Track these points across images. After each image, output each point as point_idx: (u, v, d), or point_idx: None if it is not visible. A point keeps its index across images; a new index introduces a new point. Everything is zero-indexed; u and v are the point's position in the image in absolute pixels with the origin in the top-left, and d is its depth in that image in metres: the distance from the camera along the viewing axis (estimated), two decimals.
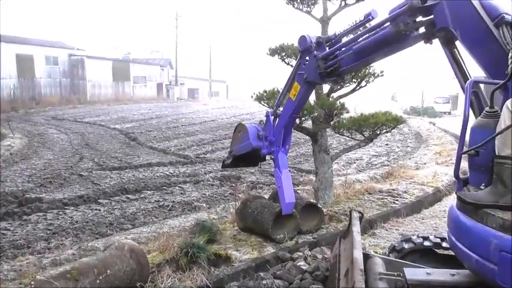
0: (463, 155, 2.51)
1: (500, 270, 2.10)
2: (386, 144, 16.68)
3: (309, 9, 6.71)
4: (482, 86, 3.03)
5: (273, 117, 5.07)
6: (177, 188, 9.76)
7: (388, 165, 11.71)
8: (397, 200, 6.97)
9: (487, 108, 2.48)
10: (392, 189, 7.64)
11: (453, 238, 2.56)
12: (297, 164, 12.59)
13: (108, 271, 3.41)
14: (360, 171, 11.37)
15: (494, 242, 2.14)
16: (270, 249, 4.62)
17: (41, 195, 8.87)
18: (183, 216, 7.46)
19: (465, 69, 3.18)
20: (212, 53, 56.64)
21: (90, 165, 12.36)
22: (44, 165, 12.32)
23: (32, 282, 2.97)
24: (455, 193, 2.57)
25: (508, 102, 2.24)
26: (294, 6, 6.73)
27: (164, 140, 17.35)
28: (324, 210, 5.69)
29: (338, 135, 6.94)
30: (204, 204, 8.29)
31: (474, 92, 2.92)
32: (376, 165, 12.52)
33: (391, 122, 6.37)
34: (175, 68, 50.55)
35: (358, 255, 2.52)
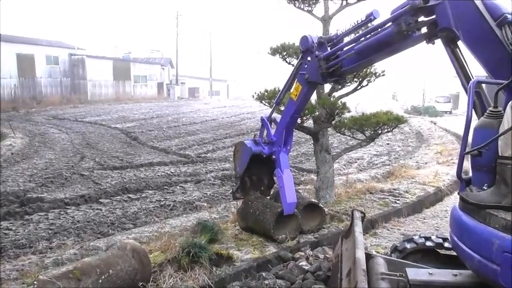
0: (465, 156, 2.52)
1: (503, 271, 2.11)
2: (387, 144, 16.66)
3: (310, 8, 6.71)
4: (484, 86, 3.03)
5: (268, 121, 5.12)
6: (178, 187, 9.76)
7: (389, 165, 11.70)
8: (398, 200, 6.97)
9: (490, 109, 2.48)
10: (394, 189, 7.64)
11: (455, 238, 2.56)
12: (298, 163, 12.58)
13: (111, 271, 3.42)
14: (361, 170, 11.37)
15: (496, 242, 2.14)
16: (271, 249, 4.63)
17: (42, 195, 8.87)
18: (185, 215, 7.46)
19: (467, 69, 3.18)
20: (213, 52, 56.74)
21: (91, 164, 12.36)
22: (45, 164, 12.33)
23: (35, 282, 2.98)
24: (458, 193, 2.57)
25: (511, 103, 2.24)
26: (295, 5, 6.73)
27: (165, 139, 17.35)
28: (325, 209, 5.69)
29: (339, 134, 6.94)
30: (206, 204, 8.29)
31: (476, 92, 2.93)
32: (377, 164, 12.51)
33: (392, 121, 6.38)
34: (175, 67, 50.54)
35: (360, 255, 2.53)
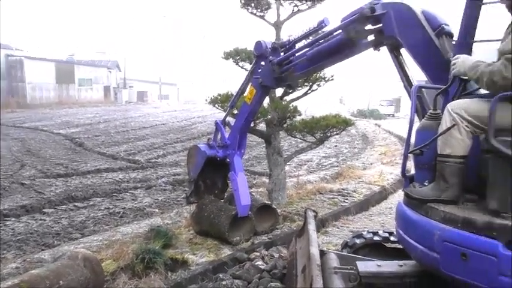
0: (409, 155, 2.71)
1: (443, 259, 2.29)
2: (335, 146, 17.21)
3: (262, 14, 6.85)
4: (425, 90, 3.27)
5: (222, 125, 5.18)
6: (128, 194, 9.50)
7: (337, 166, 12.10)
8: (346, 199, 7.25)
9: (430, 111, 2.69)
10: (342, 189, 7.93)
11: (401, 232, 2.74)
12: (250, 166, 12.68)
13: (61, 282, 3.30)
14: (311, 172, 11.66)
15: (437, 233, 2.33)
16: (226, 251, 4.66)
17: None
18: (136, 222, 7.26)
19: (409, 75, 3.41)
20: (162, 55, 55.74)
21: (33, 172, 11.70)
22: None
23: None
24: (403, 190, 2.76)
25: (448, 106, 2.44)
26: (248, 10, 6.84)
27: (113, 145, 16.82)
28: (278, 210, 5.81)
29: (289, 137, 7.12)
30: (157, 210, 8.13)
31: (418, 96, 3.15)
32: (326, 166, 12.89)
33: (341, 124, 6.65)
34: (123, 70, 49.15)
35: (314, 251, 2.64)
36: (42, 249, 6.15)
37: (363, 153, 15.40)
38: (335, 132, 6.71)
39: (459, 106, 2.38)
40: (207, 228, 5.06)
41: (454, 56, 2.58)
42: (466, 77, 2.47)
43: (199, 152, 5.09)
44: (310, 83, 6.57)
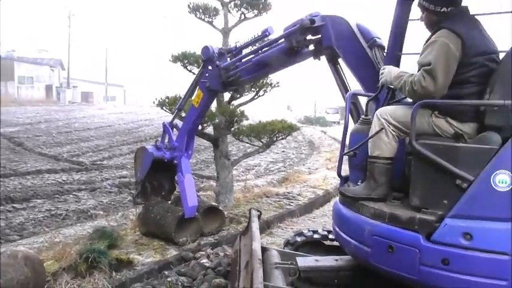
0: (344, 156, 2.96)
1: (373, 252, 2.53)
2: (283, 151, 17.59)
3: (210, 19, 6.98)
4: (360, 97, 3.55)
5: (170, 127, 5.24)
6: (71, 196, 9.23)
7: (284, 171, 12.41)
8: (292, 202, 7.50)
9: (362, 116, 2.95)
10: (288, 193, 8.19)
11: (337, 228, 2.97)
12: (198, 170, 12.70)
13: (0, 280, 3.22)
14: (259, 176, 11.87)
15: (367, 228, 2.57)
16: (172, 252, 4.70)
17: None
18: (79, 224, 7.10)
19: (346, 83, 3.69)
20: (109, 56, 54.11)
21: None
22: None
23: None
24: (338, 189, 2.99)
25: (377, 112, 2.70)
26: (196, 15, 6.95)
27: (55, 145, 16.16)
28: (225, 213, 5.92)
29: (237, 142, 7.27)
30: (102, 212, 7.97)
31: (353, 103, 3.43)
32: (273, 171, 13.16)
33: (286, 129, 6.89)
34: (67, 69, 47.13)
35: (256, 247, 2.80)
36: None
37: (309, 158, 15.86)
38: (281, 137, 6.94)
39: (386, 112, 2.64)
40: (153, 229, 5.07)
41: (382, 67, 2.87)
42: (392, 86, 2.75)
43: (146, 153, 5.12)
44: (257, 89, 6.77)
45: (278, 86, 7.04)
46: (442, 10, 2.60)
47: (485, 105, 2.39)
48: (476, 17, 2.65)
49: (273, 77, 6.69)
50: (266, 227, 5.89)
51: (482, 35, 2.55)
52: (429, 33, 2.65)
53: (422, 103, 2.42)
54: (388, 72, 2.72)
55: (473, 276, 2.15)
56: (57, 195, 9.19)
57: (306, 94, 51.75)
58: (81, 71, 53.43)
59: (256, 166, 13.84)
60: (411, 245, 2.33)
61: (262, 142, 6.90)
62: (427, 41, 2.59)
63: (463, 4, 2.66)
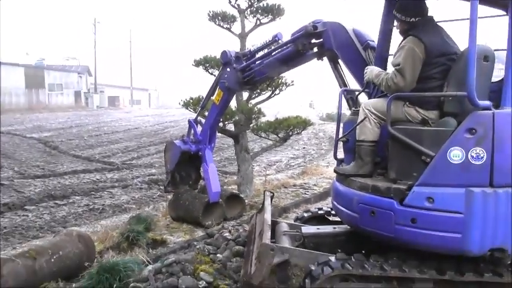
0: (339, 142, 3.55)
1: (359, 217, 3.12)
2: (304, 148, 18.08)
3: (228, 26, 7.64)
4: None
5: (194, 123, 5.92)
6: (105, 192, 9.99)
7: (304, 166, 12.95)
8: (307, 192, 8.08)
9: (353, 108, 3.54)
10: (305, 183, 8.77)
11: (334, 202, 3.57)
12: (222, 167, 13.32)
13: (61, 252, 3.94)
14: (279, 171, 12.43)
15: (355, 198, 3.15)
16: (200, 233, 5.37)
17: None
18: (115, 217, 7.82)
19: (345, 80, 4.25)
20: (134, 60, 55.64)
21: (11, 174, 12.03)
22: None
23: None
24: (334, 170, 3.58)
25: (362, 104, 3.29)
26: (215, 23, 7.62)
27: (87, 148, 17.18)
28: (246, 201, 6.57)
29: (260, 140, 7.85)
30: (134, 206, 8.70)
31: (351, 98, 4.01)
32: (293, 166, 13.71)
33: (301, 124, 7.49)
34: (94, 75, 48.86)
35: (267, 216, 3.42)
36: (28, 240, 6.67)
37: (329, 154, 16.26)
38: (296, 132, 7.53)
39: (369, 104, 3.23)
40: (182, 214, 5.77)
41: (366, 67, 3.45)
42: (374, 83, 3.33)
43: (174, 147, 5.82)
44: (273, 88, 7.38)
45: (293, 85, 7.63)
46: (411, 20, 3.16)
47: (444, 96, 2.95)
48: (441, 23, 3.20)
49: (288, 77, 7.30)
50: (283, 212, 6.48)
51: (443, 40, 3.10)
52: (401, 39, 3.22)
53: (395, 96, 2.99)
54: (370, 71, 3.30)
55: (435, 231, 2.72)
56: (93, 192, 9.99)
57: (328, 91, 51.88)
58: (107, 76, 55.43)
59: (277, 162, 14.41)
60: (388, 209, 2.90)
61: (278, 137, 7.51)
62: (399, 44, 3.16)
63: (430, 14, 3.22)
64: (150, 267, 3.79)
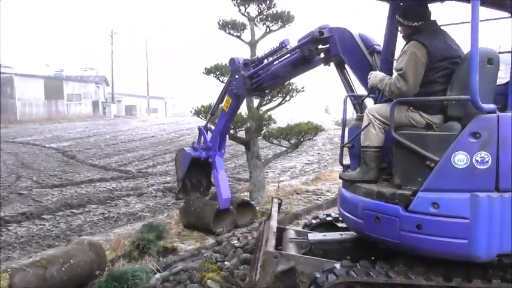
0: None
1: (365, 223, 3.08)
2: (318, 153, 17.99)
3: (238, 34, 7.70)
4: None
5: (204, 130, 5.97)
6: (121, 201, 10.11)
7: (318, 172, 12.87)
8: (320, 198, 8.04)
9: (358, 114, 3.52)
10: (317, 189, 8.73)
11: (341, 209, 3.54)
12: (236, 174, 13.34)
13: (72, 261, 4.01)
14: (293, 177, 12.40)
15: (360, 204, 3.12)
16: (210, 241, 5.39)
17: None
18: (129, 225, 7.91)
19: (352, 85, 4.23)
20: (149, 70, 56.42)
21: (29, 183, 12.31)
22: None
23: (8, 269, 3.53)
24: (339, 175, 3.56)
25: (366, 110, 3.27)
26: (225, 31, 7.69)
27: (104, 157, 17.44)
28: (257, 208, 6.56)
29: (274, 146, 7.81)
30: (149, 214, 8.80)
31: (358, 103, 3.98)
32: (308, 172, 13.64)
33: (312, 130, 7.47)
34: (111, 85, 49.69)
35: (273, 223, 3.42)
36: (44, 249, 6.79)
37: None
38: (308, 138, 7.50)
39: (373, 109, 3.21)
40: (193, 220, 5.80)
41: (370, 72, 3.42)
42: (378, 88, 3.30)
43: (185, 154, 5.88)
44: (284, 94, 7.39)
45: (303, 91, 7.62)
46: (414, 24, 3.14)
47: (447, 100, 2.90)
48: (445, 27, 3.16)
49: (299, 83, 7.30)
50: (294, 218, 6.46)
51: (446, 44, 3.06)
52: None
53: (398, 100, 2.96)
54: (374, 76, 3.28)
55: (440, 237, 2.67)
56: (108, 201, 10.12)
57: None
58: (124, 85, 56.16)
59: (291, 168, 14.37)
60: (393, 215, 2.86)
61: (290, 143, 7.49)
62: (402, 49, 3.13)
63: (433, 18, 3.18)
64: (158, 275, 3.82)
